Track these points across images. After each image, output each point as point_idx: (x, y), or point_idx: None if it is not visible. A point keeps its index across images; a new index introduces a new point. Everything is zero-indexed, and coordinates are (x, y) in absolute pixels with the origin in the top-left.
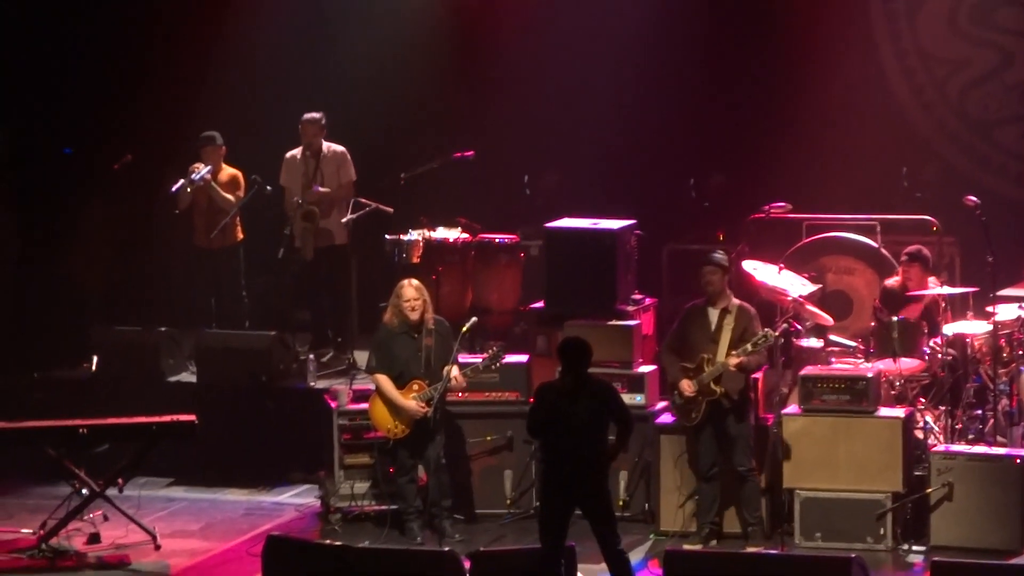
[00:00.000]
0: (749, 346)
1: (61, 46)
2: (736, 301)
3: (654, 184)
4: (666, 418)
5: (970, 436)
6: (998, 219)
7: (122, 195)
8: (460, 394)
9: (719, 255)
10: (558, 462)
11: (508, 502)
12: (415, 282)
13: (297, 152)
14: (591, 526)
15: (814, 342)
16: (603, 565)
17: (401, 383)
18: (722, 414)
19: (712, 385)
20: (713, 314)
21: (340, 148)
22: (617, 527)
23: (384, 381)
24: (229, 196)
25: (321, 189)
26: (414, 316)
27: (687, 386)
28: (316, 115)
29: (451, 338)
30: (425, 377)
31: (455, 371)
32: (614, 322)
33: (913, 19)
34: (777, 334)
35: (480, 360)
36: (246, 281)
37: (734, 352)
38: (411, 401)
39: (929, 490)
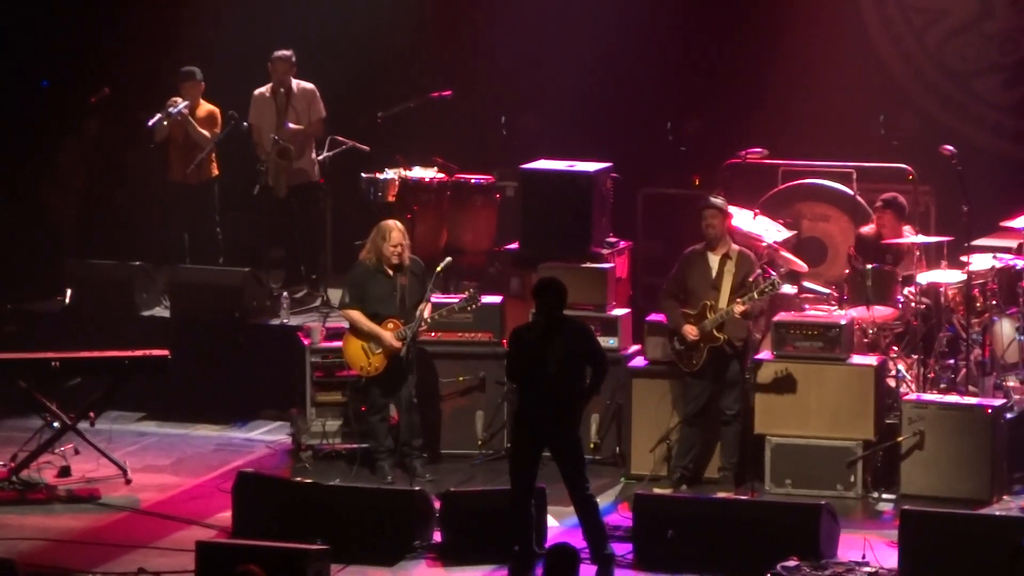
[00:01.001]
0: (755, 293)
1: None
2: (736, 247)
3: (631, 127)
4: (639, 361)
5: (942, 385)
6: (974, 169)
7: (99, 128)
8: (433, 333)
9: (719, 199)
10: (530, 402)
11: (479, 443)
12: (400, 225)
13: (266, 89)
14: (559, 468)
15: (788, 288)
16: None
17: (376, 322)
18: (724, 360)
19: (715, 332)
20: (713, 260)
21: (309, 85)
22: (586, 470)
23: (358, 316)
24: (206, 132)
25: (293, 126)
26: (396, 260)
27: (691, 331)
28: (287, 52)
29: (426, 278)
30: (399, 316)
31: (428, 310)
32: (588, 264)
33: None
34: (780, 281)
35: (455, 301)
36: (220, 217)
37: (739, 299)
38: (388, 332)
39: (900, 439)
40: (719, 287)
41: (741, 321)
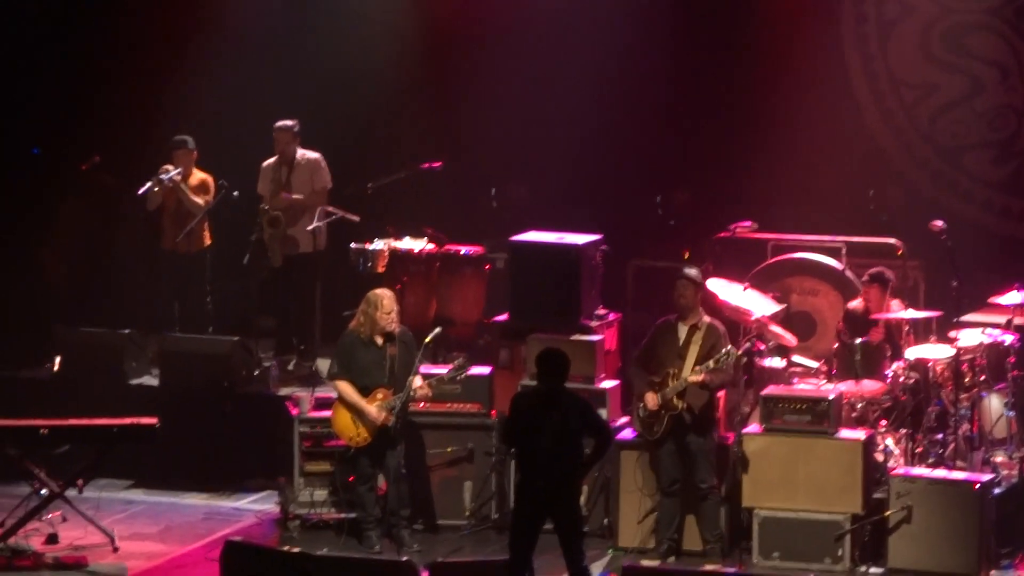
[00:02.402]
0: (711, 363)
1: (29, 46)
2: (707, 318)
3: (620, 200)
4: (627, 433)
5: (930, 460)
6: (963, 244)
7: (90, 196)
8: (422, 404)
9: (693, 270)
10: (532, 473)
11: (467, 513)
12: (390, 293)
13: (273, 160)
14: (559, 539)
15: (777, 362)
16: None
17: (365, 392)
18: (684, 429)
19: (675, 400)
20: (682, 330)
21: (315, 155)
22: (583, 543)
23: (347, 387)
24: (198, 200)
25: (290, 196)
26: (391, 327)
27: (651, 399)
28: (289, 122)
29: (415, 348)
30: (389, 386)
31: (418, 381)
32: (578, 337)
33: (884, 43)
34: (740, 353)
35: (445, 371)
36: (211, 286)
37: (697, 368)
38: (374, 406)
39: (888, 512)
40: (684, 356)
41: (703, 392)
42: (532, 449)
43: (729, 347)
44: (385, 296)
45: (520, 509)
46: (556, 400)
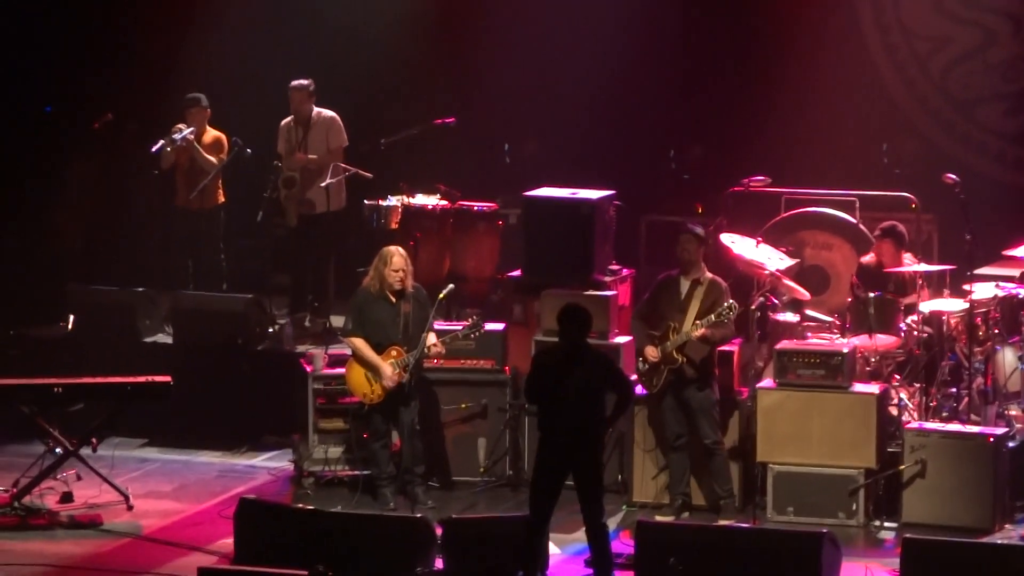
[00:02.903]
0: (712, 317)
1: (41, 4)
2: (709, 274)
3: (634, 155)
4: (640, 389)
5: (944, 414)
6: (977, 197)
7: (103, 154)
8: (436, 361)
9: (697, 226)
10: (552, 430)
11: (481, 470)
12: (402, 251)
13: (291, 119)
14: (579, 494)
15: (790, 316)
16: (574, 535)
17: (378, 349)
18: (683, 384)
19: (675, 353)
20: (684, 284)
21: (330, 113)
22: (603, 499)
23: (361, 344)
24: (211, 158)
25: (305, 156)
26: (398, 285)
27: (651, 352)
28: (304, 82)
29: (428, 305)
30: (402, 343)
31: (432, 338)
32: (591, 292)
33: None
34: (754, 307)
35: (459, 328)
36: (225, 244)
37: (698, 322)
38: (388, 364)
39: (902, 467)
40: (685, 311)
41: (703, 346)
42: (555, 405)
43: (730, 301)
44: (396, 253)
45: (542, 464)
46: (579, 356)
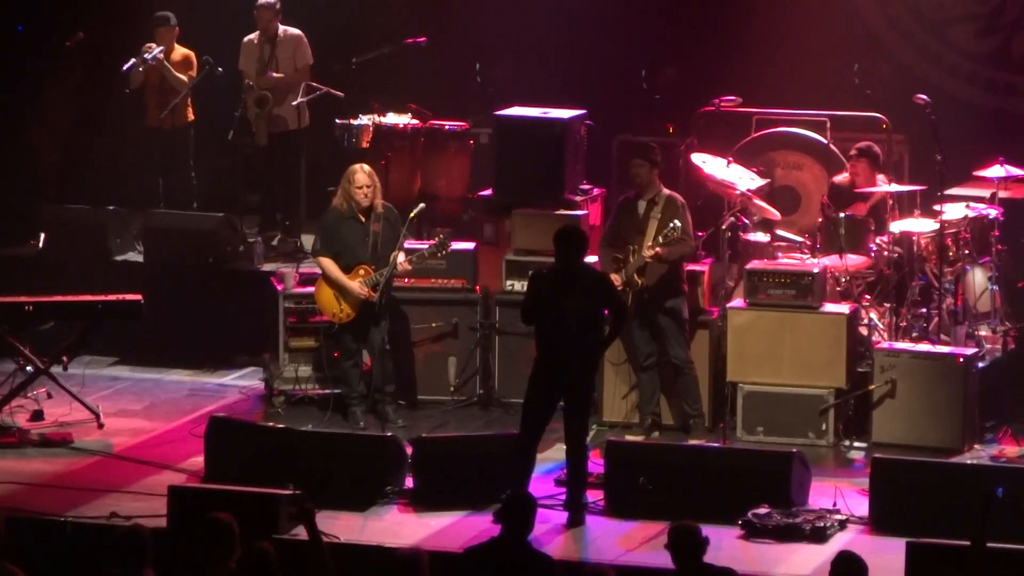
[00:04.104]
0: (661, 237)
1: None
2: (665, 192)
3: (606, 75)
4: None
5: (914, 334)
6: (948, 118)
7: (75, 74)
8: (406, 280)
9: (647, 148)
10: (549, 350)
11: (452, 389)
12: (366, 167)
13: (254, 36)
14: (565, 414)
15: (761, 236)
16: (544, 454)
17: (347, 268)
18: (648, 305)
19: (636, 277)
20: (641, 205)
21: (296, 32)
22: (588, 421)
23: (329, 264)
24: (181, 76)
25: (275, 75)
26: (365, 202)
27: (615, 278)
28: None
29: (399, 225)
30: (371, 263)
31: (401, 257)
32: (562, 211)
33: None
34: (725, 226)
35: (426, 247)
36: (195, 162)
37: (649, 244)
38: (356, 283)
39: (872, 387)
40: (644, 231)
41: (660, 266)
42: (552, 327)
43: (676, 221)
44: (359, 171)
45: (536, 386)
46: (576, 277)
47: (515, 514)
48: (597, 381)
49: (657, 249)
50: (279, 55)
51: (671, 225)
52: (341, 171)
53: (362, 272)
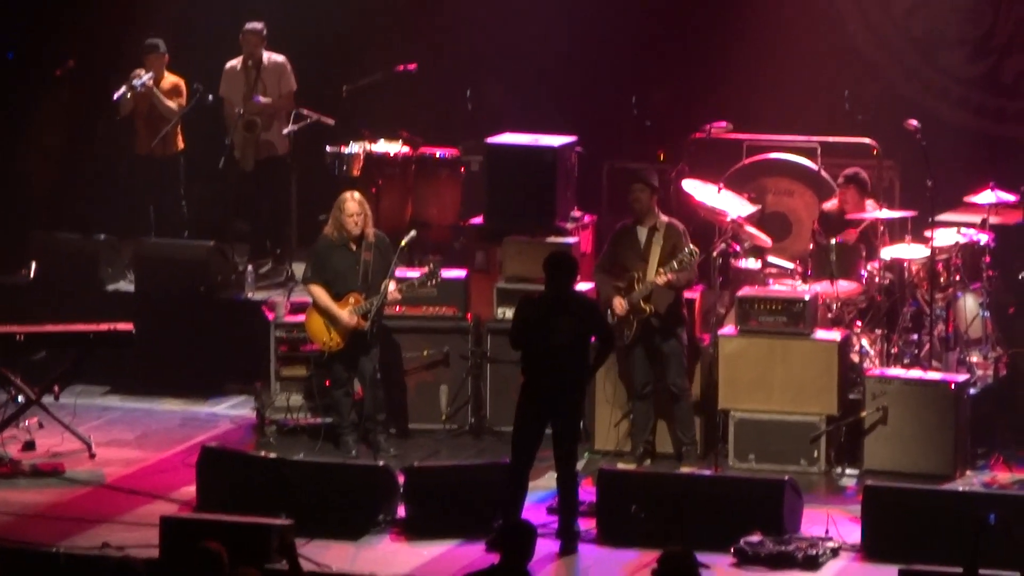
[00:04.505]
0: (675, 263)
1: None
2: (664, 218)
3: (596, 101)
4: None
5: (906, 360)
6: (938, 144)
7: (64, 101)
8: (397, 308)
9: (647, 173)
10: (537, 377)
11: (443, 418)
12: (357, 195)
13: (237, 62)
14: (554, 442)
15: (752, 263)
16: (536, 482)
17: (338, 296)
18: (653, 332)
19: (642, 303)
20: (642, 232)
21: (280, 58)
22: (578, 448)
23: (319, 292)
24: (171, 104)
25: (263, 99)
26: (355, 230)
27: (619, 304)
28: (258, 25)
29: (390, 253)
30: (362, 291)
31: (392, 285)
32: (553, 238)
33: None
34: (715, 253)
35: (416, 276)
36: (186, 190)
37: (661, 270)
38: (345, 311)
39: (863, 413)
40: (647, 259)
41: (668, 292)
42: (542, 353)
43: (691, 246)
44: (349, 198)
45: (524, 412)
46: (565, 304)
47: (515, 542)
48: (589, 409)
49: (668, 275)
50: (265, 80)
51: (687, 250)
52: (332, 199)
53: (352, 300)
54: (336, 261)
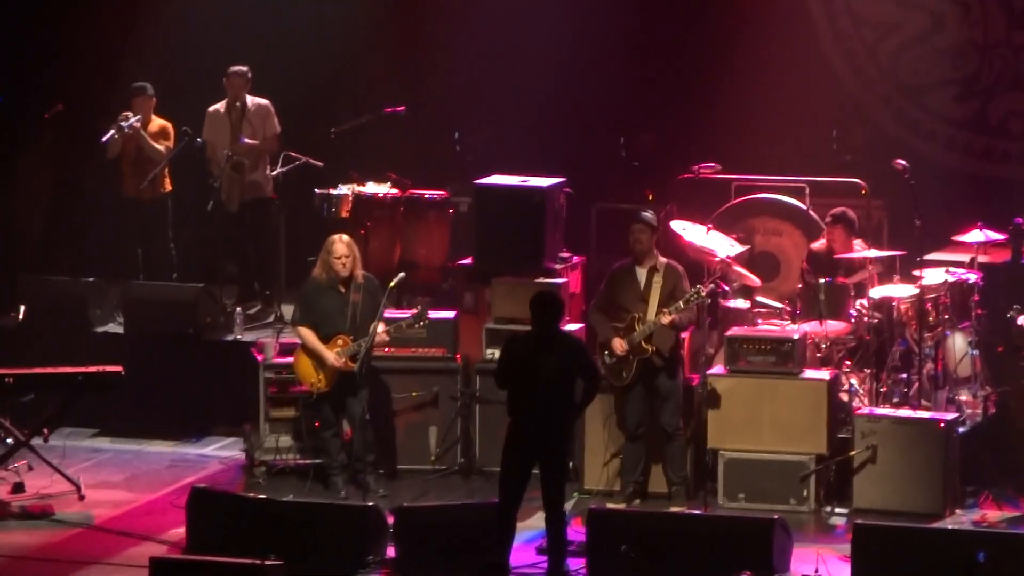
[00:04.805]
0: (681, 303)
1: None
2: (663, 259)
3: (584, 142)
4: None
5: (895, 399)
6: (926, 183)
7: (53, 145)
8: (387, 348)
9: (648, 214)
10: (523, 415)
11: (432, 458)
12: (345, 238)
13: (220, 106)
14: (542, 480)
15: (741, 303)
16: (525, 522)
17: (326, 338)
18: (653, 373)
19: (643, 344)
20: (641, 273)
21: (264, 101)
22: (566, 488)
23: (308, 334)
24: (159, 146)
25: (248, 141)
26: (344, 272)
27: (619, 345)
28: (242, 68)
29: (379, 294)
30: (350, 332)
31: (381, 327)
32: (542, 280)
33: None
34: (706, 291)
35: (404, 317)
36: (174, 233)
37: (665, 310)
38: (332, 353)
39: (853, 453)
40: (647, 299)
41: (670, 332)
42: (526, 392)
43: (698, 286)
44: (337, 241)
45: (511, 451)
46: (551, 342)
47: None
48: (578, 448)
49: (673, 315)
50: (251, 122)
51: (694, 291)
52: (321, 240)
53: (340, 342)
54: (324, 303)
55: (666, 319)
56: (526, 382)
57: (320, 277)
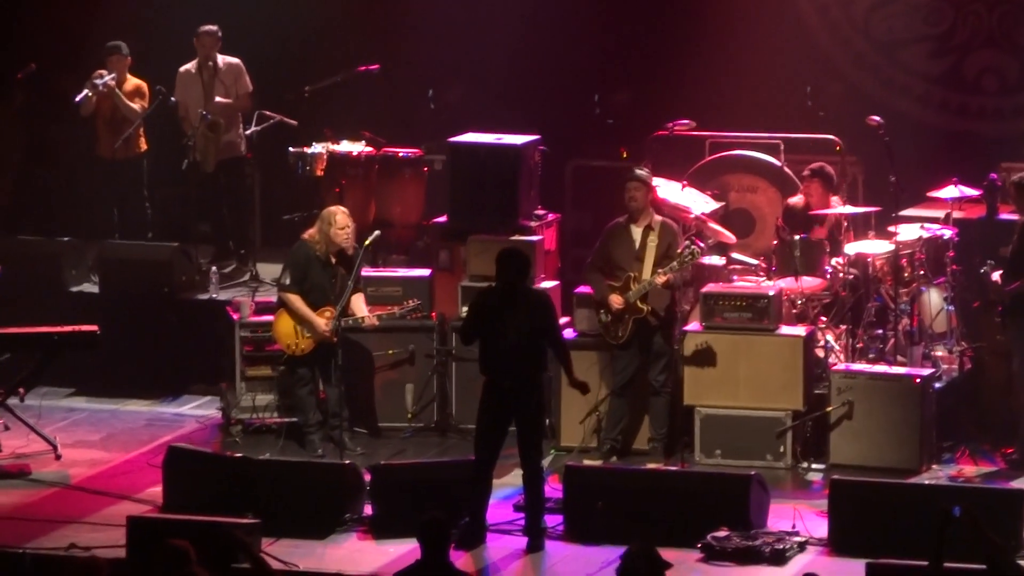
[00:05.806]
0: (676, 263)
1: None
2: (659, 218)
3: (559, 100)
4: (568, 333)
5: (870, 355)
6: (901, 139)
7: (26, 105)
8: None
9: (643, 171)
10: (496, 372)
11: (409, 416)
12: (344, 208)
13: (191, 65)
14: (518, 436)
15: (716, 260)
16: (502, 479)
17: (313, 308)
18: (648, 332)
19: (639, 303)
20: (636, 232)
21: (235, 60)
22: (543, 443)
23: (298, 301)
24: (134, 105)
25: (222, 100)
26: (347, 244)
27: (616, 301)
28: (213, 27)
29: (354, 257)
30: (335, 304)
31: (364, 308)
32: (516, 237)
33: None
34: (702, 251)
35: (396, 310)
36: (149, 192)
37: (660, 270)
38: (322, 320)
39: (829, 408)
40: (643, 258)
41: (665, 292)
42: (496, 348)
43: (692, 246)
44: (339, 212)
45: (486, 409)
46: (518, 298)
47: (430, 536)
48: (555, 406)
49: (668, 275)
50: (223, 81)
51: (689, 250)
52: (295, 199)
53: (327, 314)
54: (317, 275)
55: (661, 279)
56: (494, 337)
57: (316, 247)
